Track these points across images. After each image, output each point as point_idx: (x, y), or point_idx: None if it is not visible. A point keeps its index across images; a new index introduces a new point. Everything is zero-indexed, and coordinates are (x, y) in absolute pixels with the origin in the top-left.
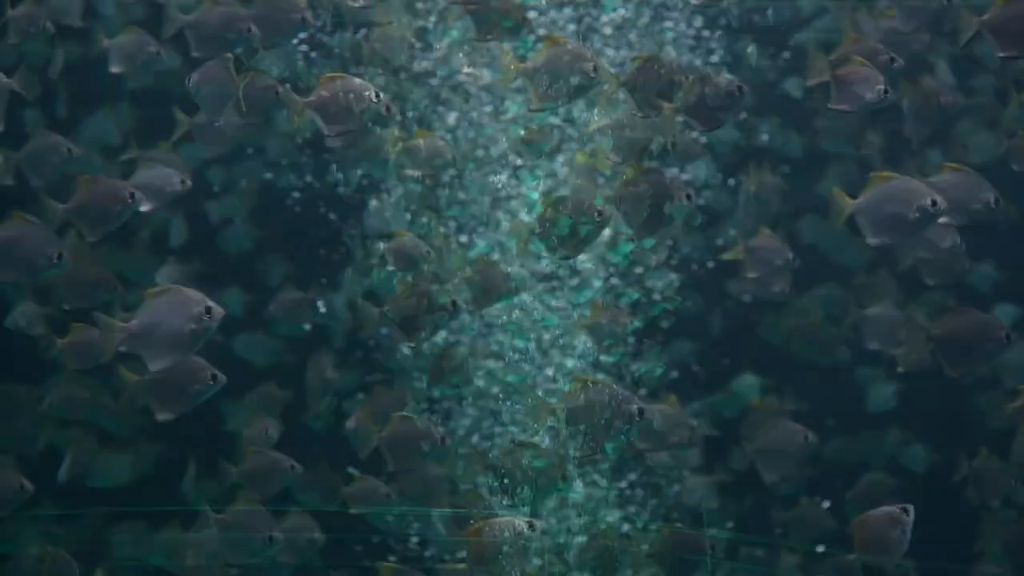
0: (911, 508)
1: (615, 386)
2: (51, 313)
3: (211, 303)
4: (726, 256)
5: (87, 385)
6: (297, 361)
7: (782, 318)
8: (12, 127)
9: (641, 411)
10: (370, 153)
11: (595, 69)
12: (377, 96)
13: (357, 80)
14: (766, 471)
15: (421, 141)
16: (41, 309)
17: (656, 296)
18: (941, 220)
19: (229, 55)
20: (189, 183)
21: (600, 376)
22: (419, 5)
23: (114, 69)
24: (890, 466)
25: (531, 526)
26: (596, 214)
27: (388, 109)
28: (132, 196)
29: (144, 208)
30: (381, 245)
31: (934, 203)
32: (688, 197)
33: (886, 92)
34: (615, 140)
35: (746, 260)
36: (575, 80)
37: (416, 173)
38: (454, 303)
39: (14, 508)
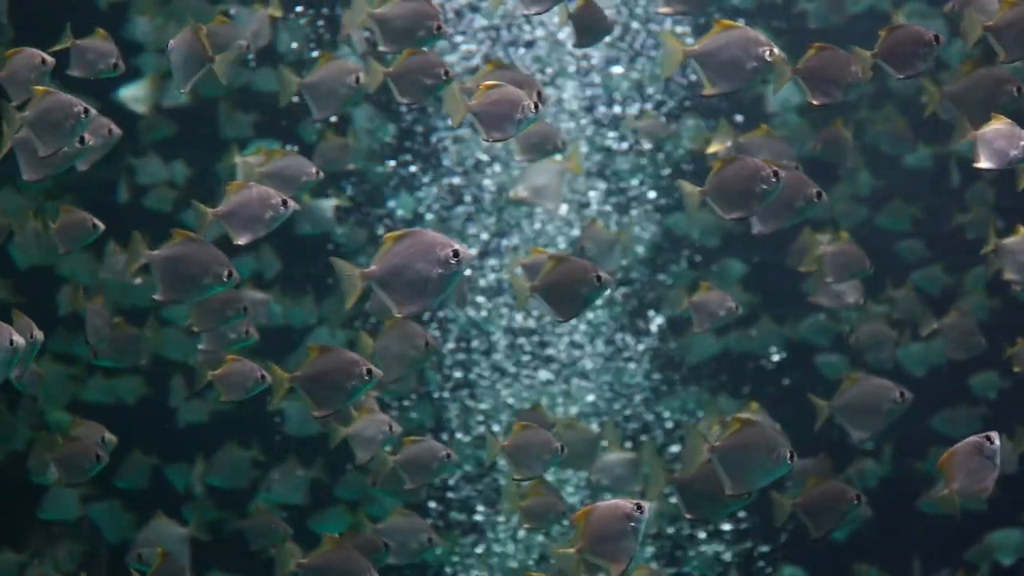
0: (995, 435)
1: (768, 427)
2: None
3: (458, 245)
4: (808, 259)
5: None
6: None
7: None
8: None
9: (792, 454)
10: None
11: (771, 54)
12: (536, 107)
13: (517, 89)
14: (854, 429)
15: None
16: None
17: None
18: None
19: (201, 25)
20: (322, 173)
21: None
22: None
23: None
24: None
25: (639, 508)
26: (772, 175)
27: (536, 109)
28: (284, 203)
29: None
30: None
31: None
32: (819, 195)
33: None
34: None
35: (827, 266)
36: (751, 65)
37: (524, 159)
38: (599, 278)
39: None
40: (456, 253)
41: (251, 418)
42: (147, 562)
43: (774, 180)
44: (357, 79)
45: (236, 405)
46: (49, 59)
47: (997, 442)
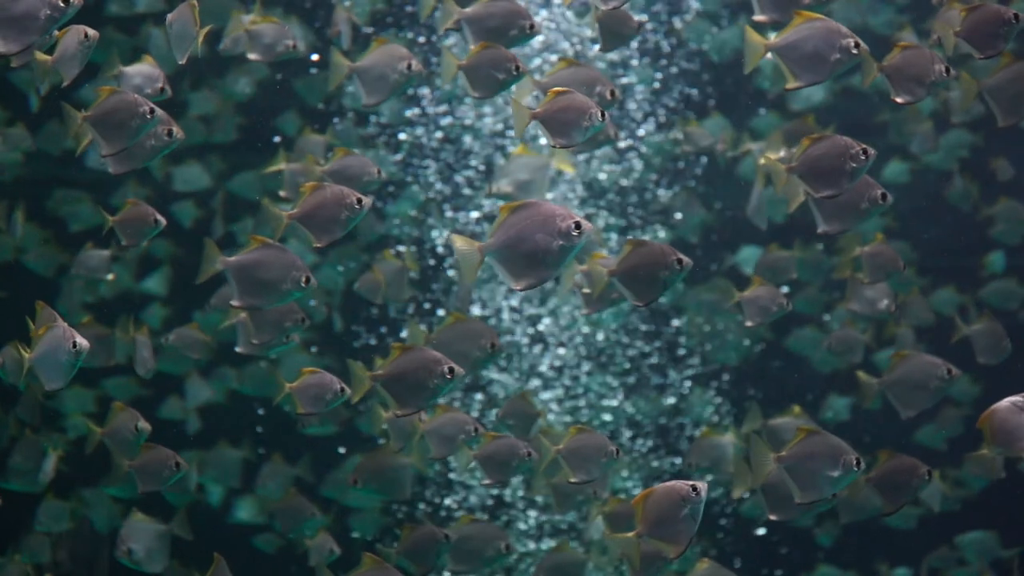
0: None
1: (833, 437)
2: None
3: (579, 217)
4: (844, 259)
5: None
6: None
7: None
8: None
9: (859, 461)
10: None
11: (856, 45)
12: (602, 115)
13: (584, 98)
14: (902, 406)
15: None
16: None
17: None
18: None
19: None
20: (384, 173)
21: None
22: None
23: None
24: None
25: (695, 490)
26: (862, 152)
27: (603, 117)
28: (359, 202)
29: None
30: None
31: None
32: (884, 197)
33: None
34: None
35: (865, 267)
36: (834, 57)
37: (580, 149)
38: (680, 261)
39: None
40: (578, 224)
41: (238, 417)
42: (136, 560)
43: (863, 158)
44: (409, 66)
45: (229, 404)
46: (92, 32)
47: None
